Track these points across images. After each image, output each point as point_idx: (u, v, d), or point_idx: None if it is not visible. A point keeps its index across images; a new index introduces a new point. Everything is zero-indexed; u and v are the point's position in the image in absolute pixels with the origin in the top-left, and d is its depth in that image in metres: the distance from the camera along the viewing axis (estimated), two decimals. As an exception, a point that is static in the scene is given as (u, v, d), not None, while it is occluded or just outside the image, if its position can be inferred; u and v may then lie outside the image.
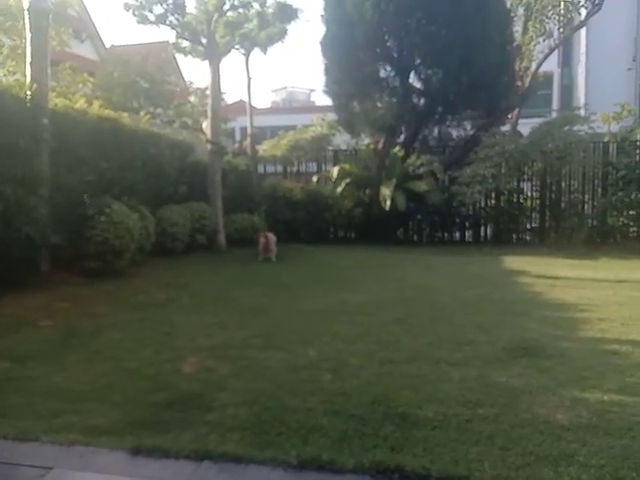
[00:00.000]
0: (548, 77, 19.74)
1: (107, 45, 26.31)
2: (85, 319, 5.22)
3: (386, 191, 11.34)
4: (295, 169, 13.61)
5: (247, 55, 12.25)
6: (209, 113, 10.09)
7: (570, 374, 3.62)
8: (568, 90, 24.74)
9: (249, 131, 12.51)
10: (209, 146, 9.92)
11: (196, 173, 10.08)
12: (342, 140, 14.02)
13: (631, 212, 10.84)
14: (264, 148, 13.28)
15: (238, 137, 19.92)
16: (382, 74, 12.29)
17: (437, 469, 2.37)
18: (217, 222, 9.76)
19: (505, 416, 2.97)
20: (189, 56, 11.40)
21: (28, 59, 6.86)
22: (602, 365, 3.82)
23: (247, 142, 12.81)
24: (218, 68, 10.07)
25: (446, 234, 12.60)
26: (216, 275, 8.01)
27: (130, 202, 7.71)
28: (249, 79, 12.36)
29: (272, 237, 9.37)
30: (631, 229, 11.14)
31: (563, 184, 11.96)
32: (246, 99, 13.22)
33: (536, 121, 12.38)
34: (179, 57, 23.25)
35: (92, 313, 5.45)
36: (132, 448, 2.60)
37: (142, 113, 9.98)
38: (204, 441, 2.68)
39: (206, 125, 10.43)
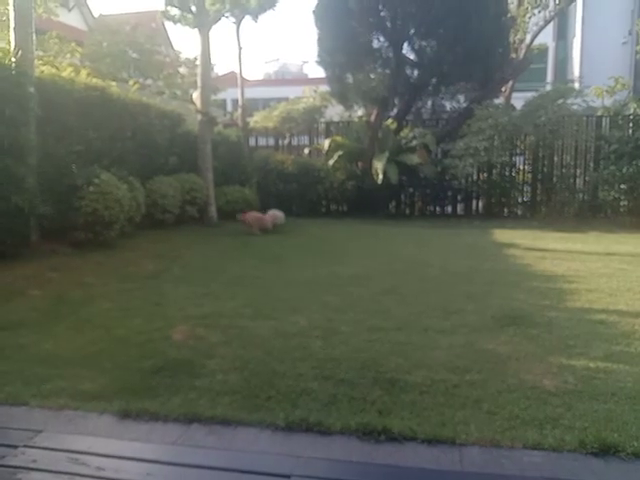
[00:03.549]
0: (543, 50, 19.52)
1: (95, 14, 25.71)
2: (75, 289, 5.20)
3: (378, 164, 11.29)
4: (287, 141, 13.49)
5: (238, 24, 12.02)
6: (199, 83, 9.92)
7: (557, 342, 3.66)
8: (563, 64, 24.55)
9: (240, 102, 12.34)
10: (199, 116, 9.78)
11: (186, 144, 9.95)
12: (335, 112, 13.90)
13: (622, 186, 10.85)
14: (255, 119, 13.14)
15: (229, 109, 19.68)
16: (375, 45, 12.14)
17: (423, 431, 2.40)
18: (208, 194, 9.67)
19: (492, 382, 3.00)
20: (178, 24, 11.15)
21: (12, 24, 6.69)
22: (589, 334, 3.85)
23: (238, 113, 12.64)
24: (208, 37, 9.87)
25: (438, 207, 12.61)
26: (207, 247, 7.98)
27: (119, 173, 7.62)
28: (240, 49, 12.16)
29: (254, 215, 9.42)
30: (622, 203, 11.18)
31: (555, 158, 11.94)
32: (237, 70, 13.02)
33: (530, 95, 12.28)
34: (169, 26, 22.84)
35: (82, 283, 5.43)
36: (120, 412, 2.60)
37: (131, 82, 9.78)
38: (193, 405, 2.69)
39: (196, 95, 10.27)
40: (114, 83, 8.73)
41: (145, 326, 4.06)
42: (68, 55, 14.06)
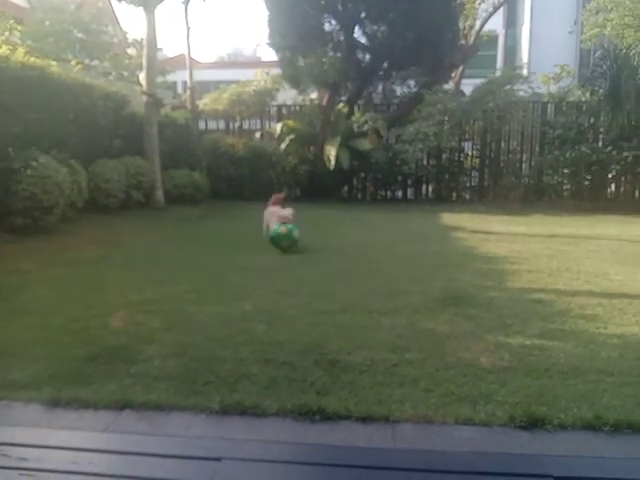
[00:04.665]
0: (493, 38, 19.87)
1: (37, -9, 24.51)
2: (10, 275, 4.98)
3: (330, 149, 11.26)
4: (238, 124, 13.27)
5: (186, 3, 11.69)
6: (144, 63, 9.60)
7: (495, 321, 3.75)
8: (512, 51, 25.08)
9: (189, 84, 12.04)
10: (145, 98, 9.48)
11: (132, 126, 9.64)
12: (288, 96, 13.74)
13: (565, 170, 11.21)
14: (205, 102, 12.84)
15: (180, 91, 19.19)
16: (327, 28, 12.05)
17: (359, 410, 2.41)
18: (154, 178, 9.41)
19: (431, 360, 3.04)
20: (123, 3, 10.72)
21: (-62, -3, 6.29)
22: (527, 312, 3.96)
23: (187, 95, 12.33)
24: (154, 16, 9.56)
25: (389, 192, 12.70)
26: (152, 232, 7.79)
27: (60, 156, 7.32)
28: (188, 29, 11.84)
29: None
30: (565, 187, 11.56)
31: (502, 143, 12.20)
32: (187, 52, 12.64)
33: (480, 82, 12.47)
34: (115, 5, 22.00)
35: (18, 270, 5.21)
36: (49, 400, 2.51)
37: (73, 62, 9.38)
38: (127, 392, 2.62)
39: (143, 77, 9.95)
40: (54, 63, 8.34)
41: (83, 313, 3.93)
42: (7, 33, 13.35)
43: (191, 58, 12.11)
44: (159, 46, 12.95)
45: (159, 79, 13.52)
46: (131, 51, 19.21)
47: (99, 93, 9.08)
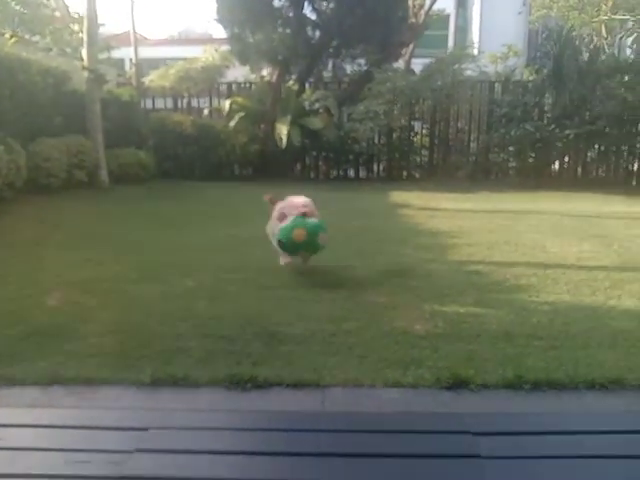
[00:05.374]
0: (443, 17, 19.99)
1: (-30, -40, 23.10)
2: (-59, 258, 4.79)
3: (282, 127, 11.16)
4: (186, 101, 12.95)
5: (129, -24, 11.29)
6: (85, 38, 9.22)
7: (433, 291, 3.85)
8: (463, 31, 25.32)
9: (134, 60, 11.67)
10: (86, 74, 9.14)
11: (73, 103, 9.26)
12: (240, 74, 13.50)
13: (511, 148, 11.48)
14: (151, 78, 12.45)
15: (128, 68, 18.60)
16: (276, 3, 11.83)
17: (291, 377, 2.45)
18: (98, 157, 9.09)
19: (367, 329, 3.11)
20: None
21: None
22: (464, 283, 4.08)
23: (132, 72, 11.95)
24: (94, -13, 9.18)
25: (341, 171, 12.72)
26: (95, 212, 7.56)
27: (-4, 134, 7.03)
28: (132, 2, 11.45)
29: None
30: (510, 165, 11.84)
31: (451, 122, 12.35)
32: (137, 29, 12.24)
33: (430, 61, 12.52)
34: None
35: (-49, 252, 5.01)
36: (-28, 380, 2.45)
37: (7, 35, 8.94)
38: (57, 369, 2.58)
39: (84, 52, 9.58)
40: (-14, 36, 7.95)
41: (17, 293, 3.83)
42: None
43: (136, 33, 11.74)
44: (102, 21, 12.46)
45: (103, 55, 13.09)
46: (75, 27, 18.44)
47: (37, 68, 8.70)
